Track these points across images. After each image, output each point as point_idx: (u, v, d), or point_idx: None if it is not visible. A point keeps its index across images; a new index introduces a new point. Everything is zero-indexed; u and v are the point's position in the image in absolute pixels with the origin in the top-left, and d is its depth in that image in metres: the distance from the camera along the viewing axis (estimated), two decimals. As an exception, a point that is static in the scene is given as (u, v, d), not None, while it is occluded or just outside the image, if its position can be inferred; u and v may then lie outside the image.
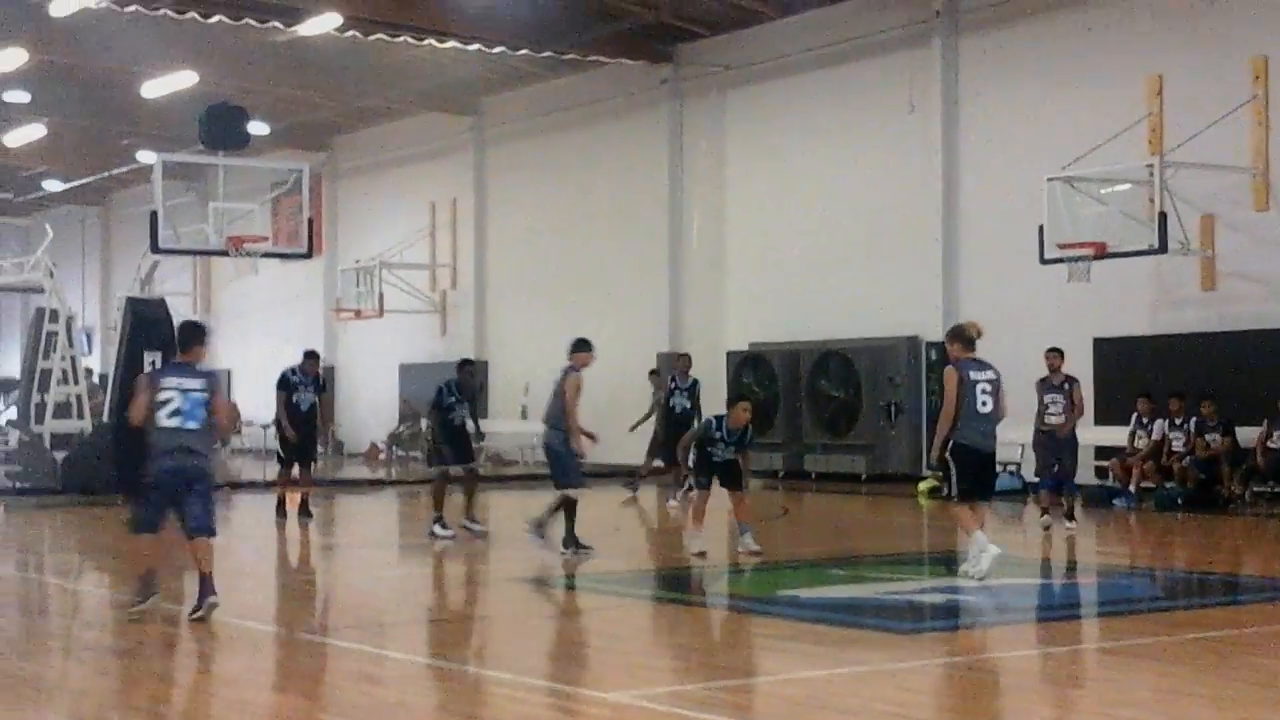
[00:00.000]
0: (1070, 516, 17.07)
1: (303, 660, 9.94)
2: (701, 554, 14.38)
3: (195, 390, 10.78)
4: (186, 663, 9.78)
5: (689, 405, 20.88)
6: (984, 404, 12.25)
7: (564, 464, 15.07)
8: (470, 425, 17.33)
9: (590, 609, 11.88)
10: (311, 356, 19.39)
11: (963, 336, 12.53)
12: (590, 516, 20.70)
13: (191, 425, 10.73)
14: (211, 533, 10.92)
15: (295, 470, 19.28)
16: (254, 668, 9.56)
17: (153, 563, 11.16)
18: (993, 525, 14.73)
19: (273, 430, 19.75)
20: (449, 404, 17.05)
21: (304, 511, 18.97)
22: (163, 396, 10.76)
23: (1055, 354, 17.31)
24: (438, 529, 16.57)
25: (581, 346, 15.30)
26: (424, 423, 20.61)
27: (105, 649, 10.31)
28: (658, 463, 21.71)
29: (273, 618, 11.67)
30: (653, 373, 24.04)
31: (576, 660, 9.83)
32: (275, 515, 19.02)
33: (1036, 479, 17.79)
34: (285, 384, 18.93)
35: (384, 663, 9.54)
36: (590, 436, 15.23)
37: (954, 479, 12.33)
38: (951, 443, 12.22)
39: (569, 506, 15.06)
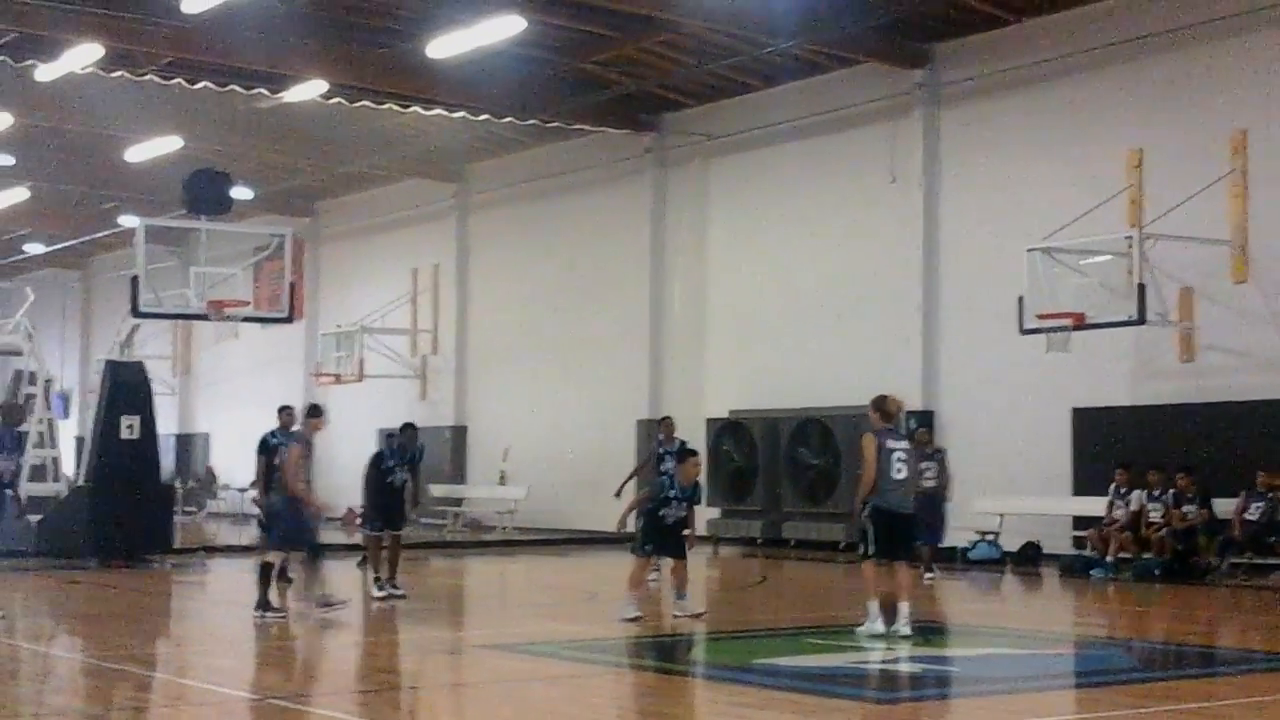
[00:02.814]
0: (929, 568, 18.95)
1: (274, 726, 9.84)
2: (636, 619, 14.22)
3: None
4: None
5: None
6: (898, 470, 13.06)
7: (278, 524, 15.32)
8: (409, 489, 17.32)
9: (567, 676, 11.79)
10: (285, 410, 19.24)
11: (883, 408, 13.30)
12: (570, 582, 20.65)
13: None
14: None
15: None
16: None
17: None
18: (971, 594, 14.72)
19: (251, 494, 19.61)
20: (389, 467, 17.15)
21: (282, 576, 18.80)
22: None
23: (925, 430, 20.60)
24: (375, 590, 16.82)
25: (314, 413, 15.95)
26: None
27: (76, 713, 10.20)
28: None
29: (245, 683, 11.55)
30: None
31: (551, 728, 9.74)
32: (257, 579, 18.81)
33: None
34: (265, 447, 18.80)
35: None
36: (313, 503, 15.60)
37: (868, 538, 13.19)
38: (870, 505, 13.05)
39: (265, 568, 15.24)
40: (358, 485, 23.60)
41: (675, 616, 14.68)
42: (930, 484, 18.69)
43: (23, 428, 24.73)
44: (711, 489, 25.95)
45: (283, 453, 15.59)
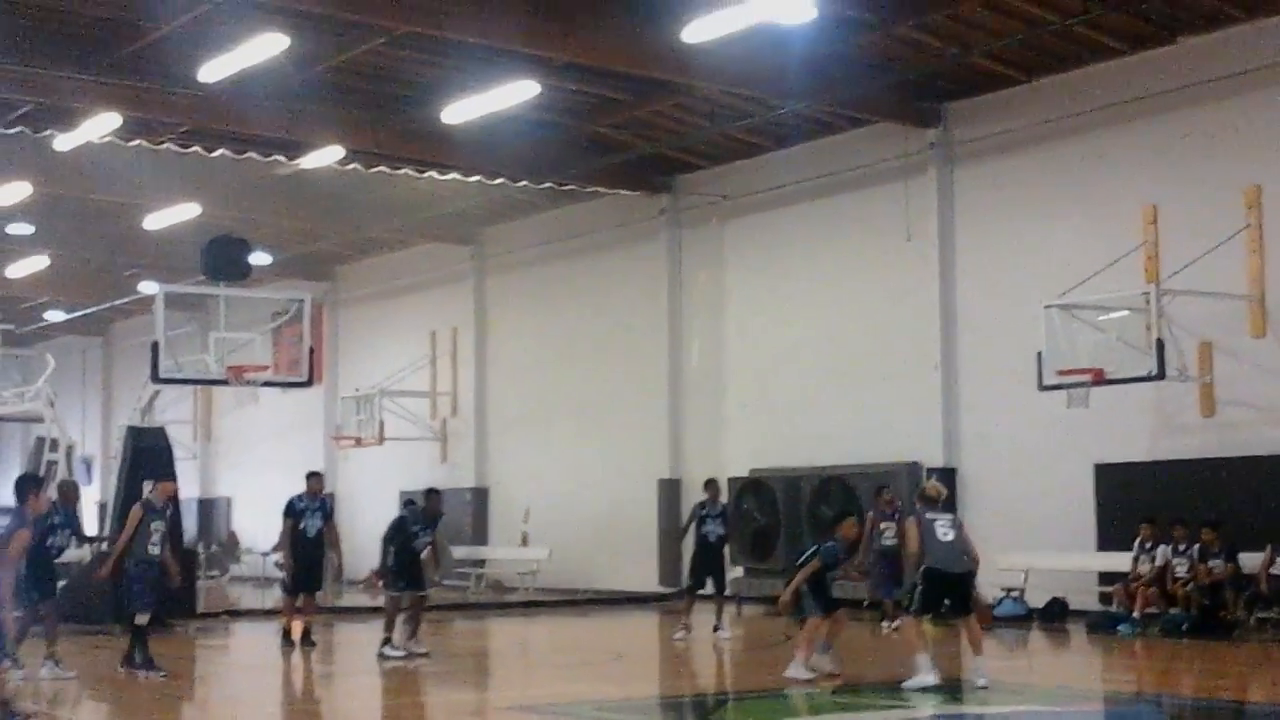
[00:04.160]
0: (890, 618, 19.62)
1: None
2: (810, 680, 14.44)
3: None
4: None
5: (724, 532, 20.48)
6: (945, 534, 14.17)
7: (133, 590, 15.83)
8: (431, 551, 17.63)
9: (592, 738, 11.76)
10: (314, 476, 19.47)
11: (923, 495, 14.74)
12: (594, 642, 20.59)
13: None
14: None
15: (300, 599, 19.27)
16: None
17: None
18: (997, 650, 14.68)
19: (274, 558, 19.74)
20: (413, 532, 17.46)
21: (305, 640, 18.87)
22: None
23: (888, 489, 21.52)
24: (387, 650, 17.03)
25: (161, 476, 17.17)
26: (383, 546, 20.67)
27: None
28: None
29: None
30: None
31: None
32: (281, 643, 18.91)
33: (878, 590, 20.52)
34: (291, 511, 18.97)
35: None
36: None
37: (917, 594, 14.18)
38: (924, 568, 14.16)
39: (137, 630, 15.67)
40: (379, 548, 23.70)
41: (812, 670, 14.78)
42: (890, 543, 20.09)
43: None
44: (733, 548, 25.91)
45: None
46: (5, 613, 11.60)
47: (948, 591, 14.20)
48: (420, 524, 17.47)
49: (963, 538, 14.36)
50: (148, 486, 17.69)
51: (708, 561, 20.15)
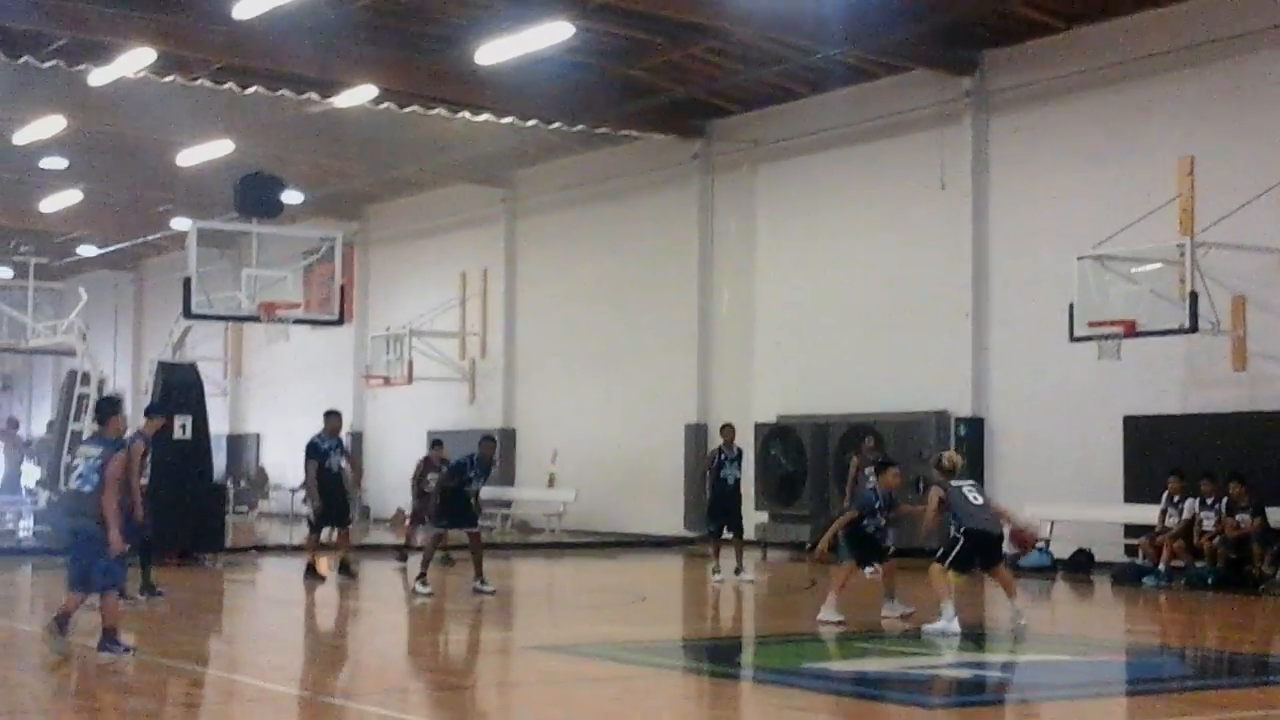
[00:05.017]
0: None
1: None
2: (838, 623, 14.62)
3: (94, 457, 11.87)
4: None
5: (739, 475, 20.56)
6: (976, 499, 14.68)
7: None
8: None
9: (615, 678, 11.83)
10: (333, 415, 19.76)
11: (940, 466, 15.11)
12: (619, 584, 20.70)
13: (87, 488, 11.78)
14: (103, 588, 11.80)
15: (326, 534, 19.73)
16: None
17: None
18: (1022, 601, 14.69)
19: (301, 495, 20.02)
20: (470, 477, 17.77)
21: (345, 571, 19.24)
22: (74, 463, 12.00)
23: (870, 438, 21.57)
24: (419, 586, 17.29)
25: (151, 412, 17.15)
26: (431, 479, 20.98)
27: (126, 711, 10.31)
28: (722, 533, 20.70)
29: (295, 680, 11.64)
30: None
31: (601, 728, 9.77)
32: (305, 578, 19.16)
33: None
34: (315, 451, 19.27)
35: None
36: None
37: (956, 551, 14.39)
38: (965, 528, 14.46)
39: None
40: (406, 485, 23.86)
41: (884, 618, 15.08)
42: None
43: (76, 426, 24.95)
44: (759, 493, 25.98)
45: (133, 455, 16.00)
46: (116, 537, 11.83)
47: (982, 550, 14.52)
48: (476, 470, 17.78)
49: (986, 498, 14.91)
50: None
51: (726, 505, 20.26)
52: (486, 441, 18.24)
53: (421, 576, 17.50)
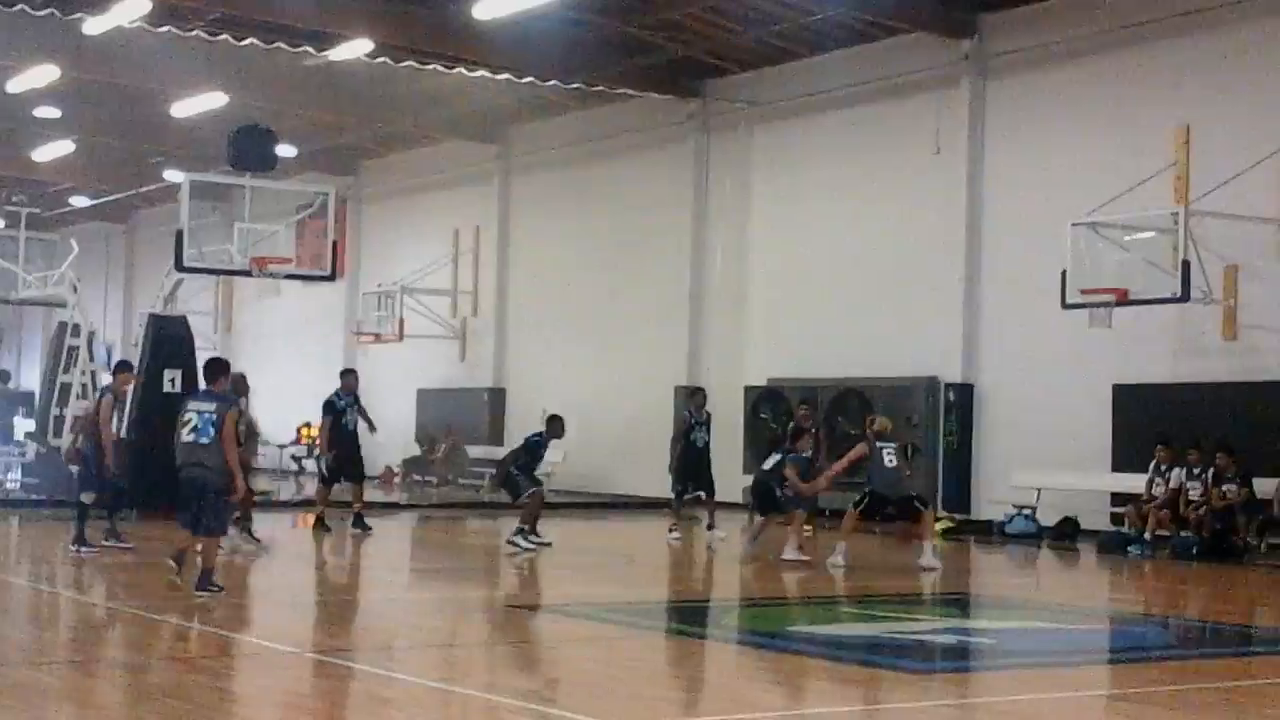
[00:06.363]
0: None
1: (314, 680, 9.94)
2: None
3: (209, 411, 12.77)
4: (197, 679, 9.75)
5: (708, 439, 20.74)
6: (889, 461, 16.98)
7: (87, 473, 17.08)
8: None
9: (600, 639, 11.86)
10: (349, 373, 20.70)
11: (876, 431, 17.31)
12: (607, 546, 20.75)
13: (204, 440, 12.64)
14: (209, 531, 12.84)
15: (336, 489, 20.49)
16: (265, 686, 9.56)
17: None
18: (1007, 567, 14.74)
19: (303, 450, 20.41)
20: (541, 455, 18.82)
21: (359, 523, 19.55)
22: (184, 417, 12.82)
23: (805, 404, 22.23)
24: (521, 540, 18.06)
25: (122, 368, 17.84)
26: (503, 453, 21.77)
27: (116, 663, 10.32)
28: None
29: (287, 636, 11.66)
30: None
31: (584, 690, 9.80)
32: (315, 530, 19.97)
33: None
34: (332, 408, 19.98)
35: (394, 685, 9.53)
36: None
37: (862, 502, 17.18)
38: (870, 488, 17.14)
39: (82, 509, 16.89)
40: (397, 443, 23.89)
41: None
42: (806, 454, 19.48)
43: (66, 378, 24.91)
44: (748, 456, 26.00)
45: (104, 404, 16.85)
46: (239, 487, 12.97)
47: (891, 507, 17.18)
48: (546, 447, 18.93)
49: (904, 463, 17.13)
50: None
51: (696, 468, 20.38)
52: (555, 419, 19.02)
53: (523, 531, 18.16)
